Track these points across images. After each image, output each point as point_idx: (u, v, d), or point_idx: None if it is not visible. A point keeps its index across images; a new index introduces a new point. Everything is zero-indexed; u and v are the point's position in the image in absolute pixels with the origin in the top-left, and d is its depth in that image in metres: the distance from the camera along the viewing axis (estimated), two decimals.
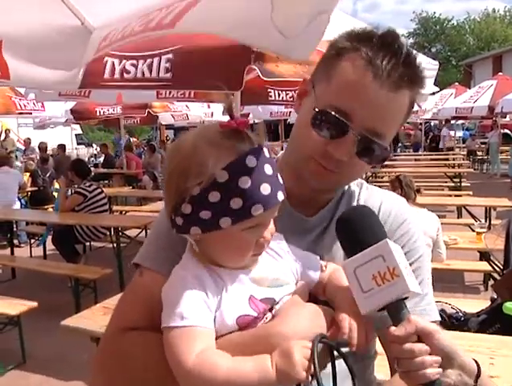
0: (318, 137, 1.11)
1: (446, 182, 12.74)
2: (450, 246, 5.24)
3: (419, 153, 22.01)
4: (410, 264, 1.03)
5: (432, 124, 27.86)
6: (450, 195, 10.88)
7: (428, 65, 5.16)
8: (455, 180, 12.78)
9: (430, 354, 0.92)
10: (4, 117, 13.78)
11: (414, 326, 0.93)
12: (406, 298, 0.96)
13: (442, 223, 5.12)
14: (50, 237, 7.64)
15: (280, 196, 0.94)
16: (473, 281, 6.50)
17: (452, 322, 3.89)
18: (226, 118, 0.96)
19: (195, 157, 0.92)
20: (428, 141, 23.91)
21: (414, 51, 1.14)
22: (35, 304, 4.58)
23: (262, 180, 0.90)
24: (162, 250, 1.12)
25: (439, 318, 1.25)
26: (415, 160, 18.49)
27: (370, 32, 1.13)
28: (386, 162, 16.21)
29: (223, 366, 0.88)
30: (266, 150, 0.94)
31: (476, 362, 1.01)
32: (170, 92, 7.24)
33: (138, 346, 0.97)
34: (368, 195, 1.30)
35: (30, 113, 9.97)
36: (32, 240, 8.97)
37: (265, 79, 5.24)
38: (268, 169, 0.92)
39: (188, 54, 4.36)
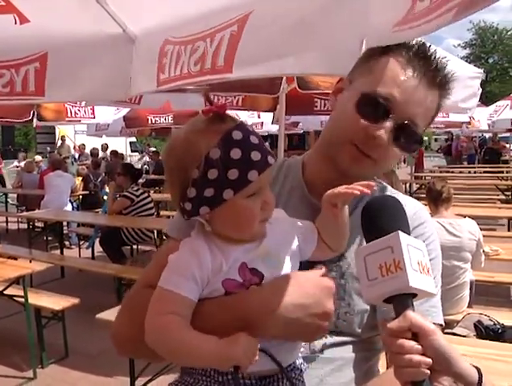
0: (360, 121, 1.20)
1: (498, 195, 12.39)
2: (491, 257, 5.07)
3: (473, 165, 21.50)
4: None
5: (487, 136, 27.08)
6: (500, 208, 10.54)
7: (471, 73, 5.04)
8: (506, 193, 12.43)
9: (422, 354, 0.89)
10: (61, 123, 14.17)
11: (409, 321, 0.91)
12: (415, 296, 0.94)
13: (492, 236, 5.04)
14: (98, 240, 7.90)
15: (271, 160, 1.01)
16: None
17: (488, 333, 3.80)
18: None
19: (188, 147, 1.00)
20: (482, 153, 23.21)
21: (445, 59, 1.25)
22: (76, 301, 4.78)
23: (250, 148, 0.99)
24: (183, 222, 1.20)
25: (442, 323, 1.26)
26: (468, 172, 18.09)
27: (406, 42, 1.27)
28: (438, 174, 15.98)
29: (183, 335, 0.98)
30: (248, 126, 1.03)
31: (478, 371, 0.96)
32: (218, 100, 7.40)
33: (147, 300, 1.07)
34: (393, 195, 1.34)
35: (79, 121, 10.08)
36: (81, 242, 9.28)
37: (301, 91, 5.25)
38: (254, 139, 1.01)
39: None
